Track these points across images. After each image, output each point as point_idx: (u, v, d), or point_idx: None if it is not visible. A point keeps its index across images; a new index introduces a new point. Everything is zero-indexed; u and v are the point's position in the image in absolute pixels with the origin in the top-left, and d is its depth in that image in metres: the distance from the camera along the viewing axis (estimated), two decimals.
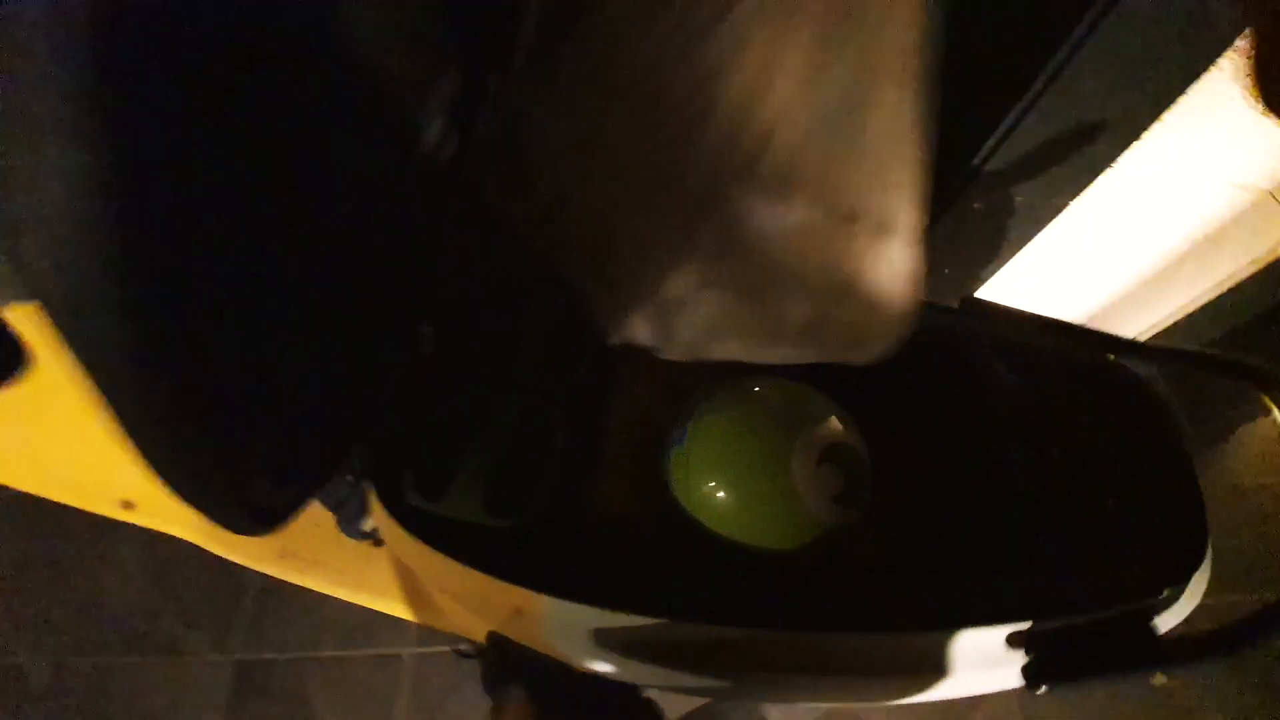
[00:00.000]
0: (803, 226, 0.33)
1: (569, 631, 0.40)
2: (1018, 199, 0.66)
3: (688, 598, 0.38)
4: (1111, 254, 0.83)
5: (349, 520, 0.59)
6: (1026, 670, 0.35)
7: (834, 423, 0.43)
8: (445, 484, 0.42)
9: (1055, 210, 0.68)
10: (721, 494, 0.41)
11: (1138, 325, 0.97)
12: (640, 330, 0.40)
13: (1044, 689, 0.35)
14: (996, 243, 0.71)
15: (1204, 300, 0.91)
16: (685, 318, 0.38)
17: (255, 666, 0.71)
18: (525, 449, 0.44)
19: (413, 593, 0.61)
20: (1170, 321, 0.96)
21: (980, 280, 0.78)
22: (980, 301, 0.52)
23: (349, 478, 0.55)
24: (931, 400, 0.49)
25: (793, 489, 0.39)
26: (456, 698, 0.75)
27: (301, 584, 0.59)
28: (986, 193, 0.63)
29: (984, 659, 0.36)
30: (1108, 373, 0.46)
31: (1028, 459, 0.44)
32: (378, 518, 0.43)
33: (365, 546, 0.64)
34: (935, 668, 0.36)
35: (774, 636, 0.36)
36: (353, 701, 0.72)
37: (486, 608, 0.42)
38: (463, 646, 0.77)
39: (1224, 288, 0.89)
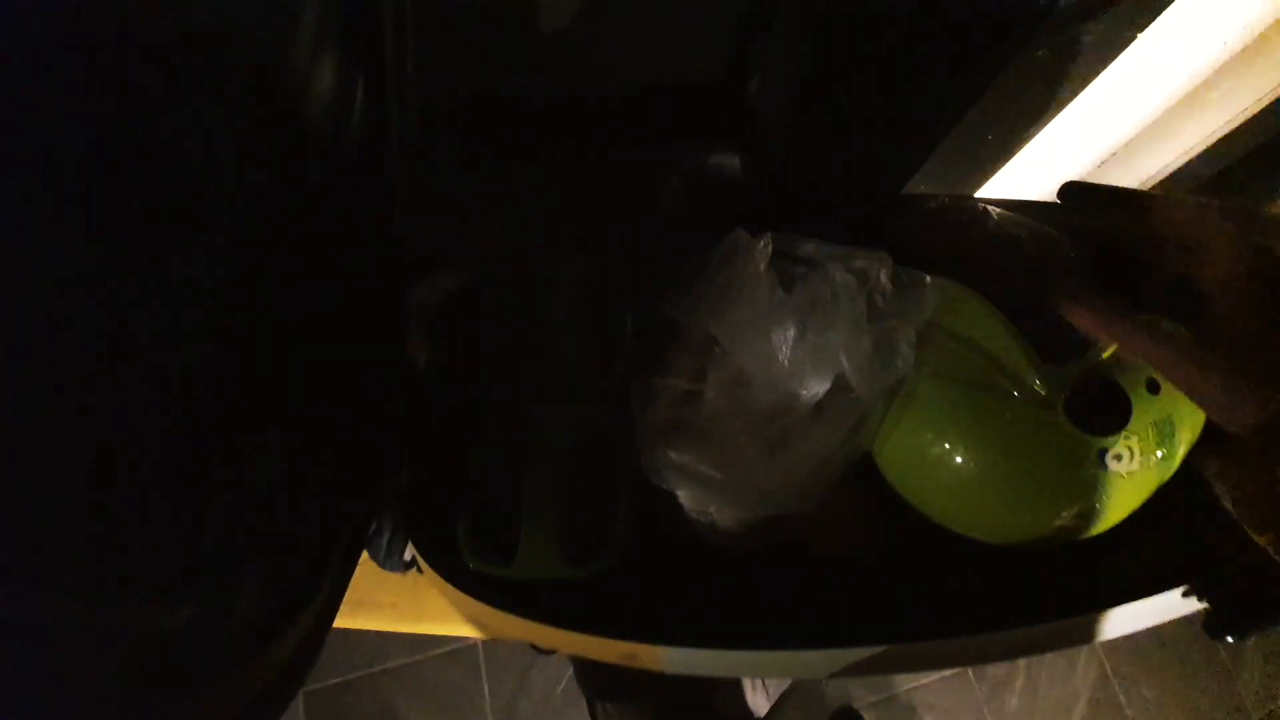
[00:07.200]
0: None
1: (697, 667, 0.35)
2: (1085, 38, 0.54)
3: (825, 623, 0.33)
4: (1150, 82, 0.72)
5: (387, 554, 0.52)
6: (1207, 622, 0.33)
7: None
8: (510, 543, 0.35)
9: (1125, 44, 0.57)
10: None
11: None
12: None
13: (1230, 639, 0.32)
14: (1054, 90, 0.60)
15: None
16: None
17: (325, 694, 0.68)
18: (591, 483, 0.36)
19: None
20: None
21: (1024, 141, 0.68)
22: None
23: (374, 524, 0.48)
24: None
25: None
26: (535, 673, 0.74)
27: (358, 627, 0.54)
28: (1058, 31, 0.51)
29: (1158, 614, 0.33)
30: None
31: None
32: (443, 590, 0.36)
33: (410, 577, 0.58)
34: (1107, 630, 0.34)
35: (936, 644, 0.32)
36: (438, 698, 0.71)
37: (594, 654, 0.37)
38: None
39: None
